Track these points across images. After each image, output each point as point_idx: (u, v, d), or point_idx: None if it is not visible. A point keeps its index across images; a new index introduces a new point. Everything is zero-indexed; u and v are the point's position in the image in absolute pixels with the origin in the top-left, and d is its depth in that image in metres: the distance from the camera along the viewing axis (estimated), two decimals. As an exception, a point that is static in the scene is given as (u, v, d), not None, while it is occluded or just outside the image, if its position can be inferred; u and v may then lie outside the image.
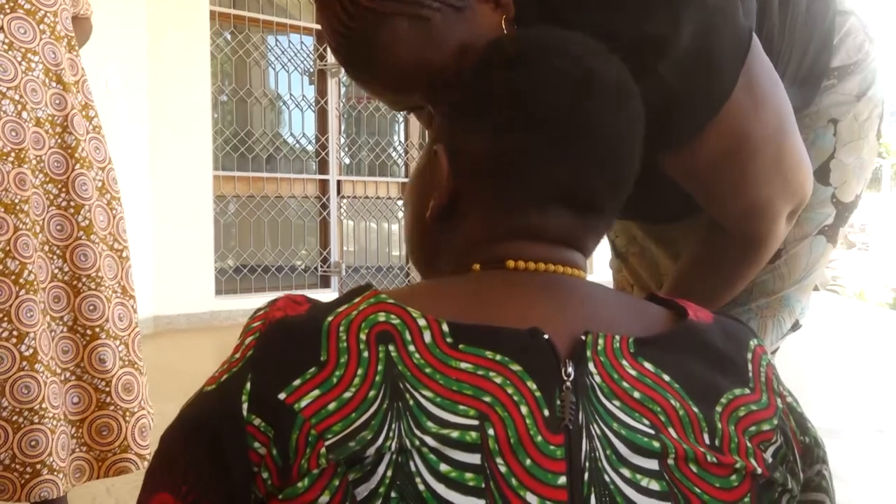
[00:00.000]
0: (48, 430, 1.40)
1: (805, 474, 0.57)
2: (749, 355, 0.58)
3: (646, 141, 0.79)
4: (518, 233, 0.59)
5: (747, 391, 0.55)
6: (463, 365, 0.49)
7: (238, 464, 0.48)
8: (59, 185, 1.46)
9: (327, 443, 0.46)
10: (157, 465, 0.53)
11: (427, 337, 0.50)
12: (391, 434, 0.46)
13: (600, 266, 6.80)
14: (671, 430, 0.50)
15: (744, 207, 0.82)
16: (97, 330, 1.47)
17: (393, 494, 0.45)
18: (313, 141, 5.38)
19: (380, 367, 0.48)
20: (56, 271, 1.45)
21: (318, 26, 5.10)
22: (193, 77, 4.58)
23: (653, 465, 0.48)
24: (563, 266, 0.58)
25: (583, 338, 0.52)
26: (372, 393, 0.47)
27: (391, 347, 0.49)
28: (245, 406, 0.48)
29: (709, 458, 0.50)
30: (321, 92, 5.34)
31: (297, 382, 0.48)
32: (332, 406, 0.47)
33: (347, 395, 0.47)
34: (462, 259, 0.60)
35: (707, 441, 0.51)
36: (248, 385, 0.49)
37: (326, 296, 5.39)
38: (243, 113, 5.09)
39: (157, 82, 4.37)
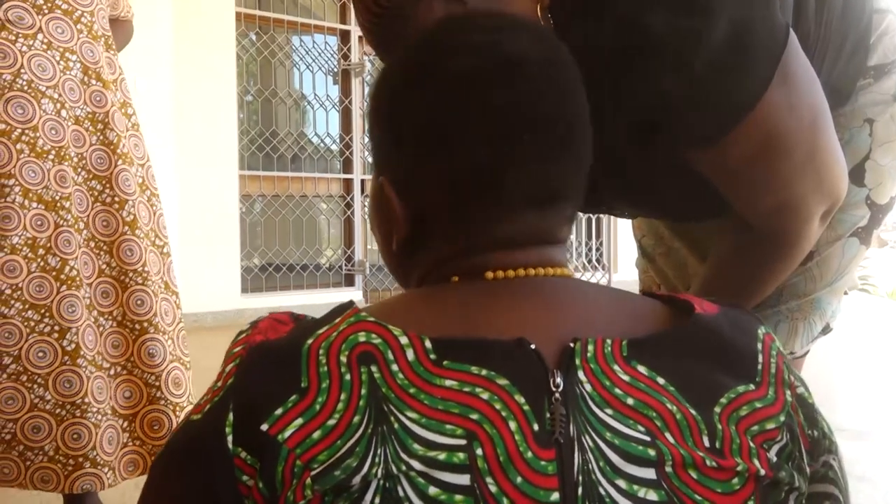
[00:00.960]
0: (91, 424, 1.43)
1: (812, 468, 0.55)
2: (759, 346, 0.55)
3: (678, 136, 0.78)
4: (490, 244, 0.56)
5: (752, 387, 0.52)
6: (448, 382, 0.47)
7: (227, 497, 0.47)
8: (104, 182, 1.48)
9: (313, 473, 0.45)
10: (148, 496, 0.52)
11: (410, 355, 0.48)
12: (377, 460, 0.45)
13: (625, 265, 6.69)
14: (668, 436, 0.48)
15: (775, 206, 0.80)
16: (145, 325, 1.48)
17: None
18: (338, 140, 5.41)
19: (363, 391, 0.47)
20: (104, 266, 1.48)
21: (343, 26, 5.12)
22: (219, 77, 4.63)
23: (649, 474, 0.47)
24: (543, 268, 0.56)
25: (571, 345, 0.50)
26: (356, 418, 0.46)
27: (374, 368, 0.48)
28: (230, 438, 0.47)
29: (708, 462, 0.48)
30: (345, 91, 5.37)
31: (279, 412, 0.47)
32: (316, 434, 0.46)
33: (332, 422, 0.46)
34: (439, 273, 0.58)
35: (707, 444, 0.49)
36: (231, 416, 0.48)
37: (351, 294, 5.42)
38: (268, 113, 5.14)
39: (183, 83, 4.43)
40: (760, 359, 0.54)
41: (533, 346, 0.49)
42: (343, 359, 0.48)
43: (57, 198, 1.41)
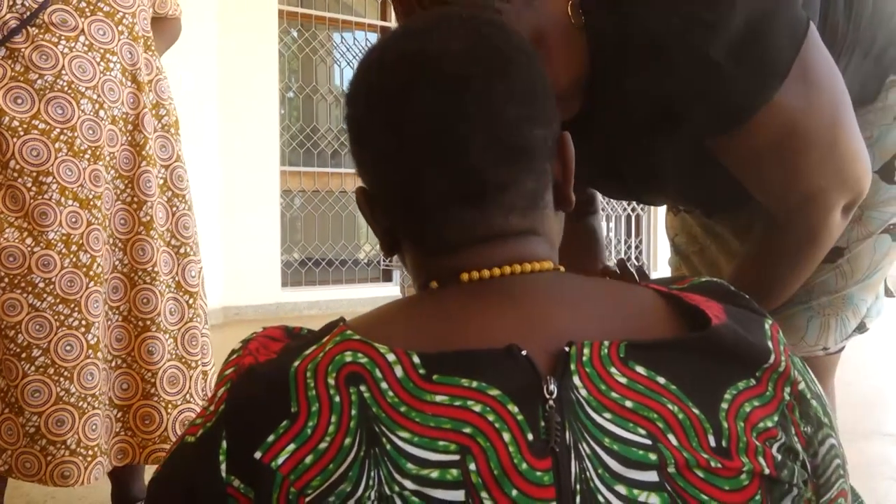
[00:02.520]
0: (103, 414, 1.48)
1: (812, 463, 0.54)
2: (769, 343, 0.54)
3: (698, 125, 0.80)
4: (446, 243, 0.56)
5: (752, 382, 0.51)
6: (438, 398, 0.46)
7: None
8: (126, 181, 1.52)
9: (307, 499, 0.45)
10: None
11: (399, 372, 0.47)
12: (371, 483, 0.45)
13: (664, 263, 6.61)
14: (671, 438, 0.47)
15: (796, 197, 0.81)
16: (148, 322, 1.51)
17: None
18: (377, 136, 5.44)
19: (353, 412, 0.46)
20: (117, 263, 1.51)
21: (383, 23, 5.15)
22: (262, 74, 4.70)
23: (651, 476, 0.46)
24: (521, 264, 0.54)
25: (566, 349, 0.49)
26: (348, 441, 0.46)
27: (363, 388, 0.47)
28: (223, 467, 0.47)
29: (713, 464, 0.47)
30: (385, 88, 5.39)
31: (271, 439, 0.47)
32: (308, 459, 0.46)
33: (323, 445, 0.46)
34: (420, 278, 0.58)
35: (713, 444, 0.48)
36: (224, 443, 0.48)
37: (388, 290, 5.44)
38: (309, 109, 5.20)
39: (226, 80, 4.50)
40: (772, 358, 0.53)
41: (524, 353, 0.48)
42: (331, 381, 0.47)
43: (91, 196, 1.45)
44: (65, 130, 1.43)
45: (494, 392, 0.47)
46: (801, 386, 0.54)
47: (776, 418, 0.51)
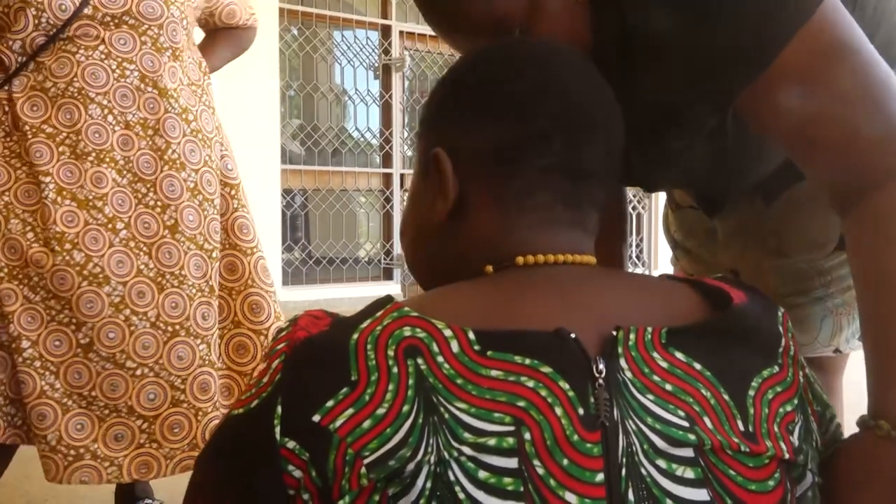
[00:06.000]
0: (96, 416, 1.48)
1: (823, 440, 0.60)
2: (780, 328, 0.58)
3: (738, 74, 0.69)
4: (527, 220, 0.60)
5: (776, 369, 0.56)
6: (493, 373, 0.50)
7: (272, 488, 0.49)
8: (149, 185, 1.53)
9: (366, 461, 0.47)
10: (193, 493, 0.54)
11: (455, 346, 0.50)
12: (430, 449, 0.47)
13: (665, 261, 6.57)
14: (706, 420, 0.51)
15: (874, 137, 0.66)
16: (177, 327, 1.51)
17: None
18: (377, 135, 5.44)
19: (410, 382, 0.49)
20: (142, 267, 1.51)
21: (384, 21, 5.12)
22: (262, 72, 4.69)
23: (688, 453, 0.50)
24: (572, 255, 0.60)
25: (614, 333, 0.53)
26: (406, 408, 0.48)
27: (420, 360, 0.50)
28: (278, 429, 0.49)
29: (742, 448, 0.51)
30: (385, 86, 5.39)
31: (330, 403, 0.49)
32: (366, 424, 0.48)
33: (381, 411, 0.48)
34: (471, 261, 0.61)
35: (741, 428, 0.52)
36: (280, 409, 0.50)
37: (389, 288, 5.44)
38: (310, 107, 5.20)
39: (227, 78, 4.49)
40: (783, 342, 0.57)
41: (573, 336, 0.51)
42: (390, 352, 0.50)
43: (90, 197, 1.48)
44: (70, 134, 1.48)
45: (546, 369, 0.50)
46: (808, 370, 0.60)
47: (795, 401, 0.56)
